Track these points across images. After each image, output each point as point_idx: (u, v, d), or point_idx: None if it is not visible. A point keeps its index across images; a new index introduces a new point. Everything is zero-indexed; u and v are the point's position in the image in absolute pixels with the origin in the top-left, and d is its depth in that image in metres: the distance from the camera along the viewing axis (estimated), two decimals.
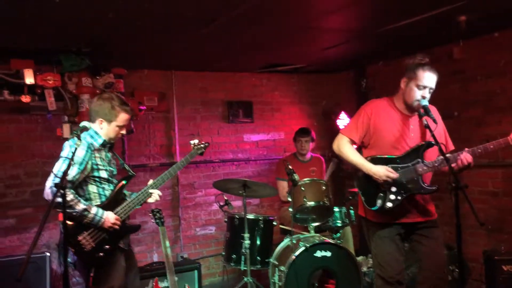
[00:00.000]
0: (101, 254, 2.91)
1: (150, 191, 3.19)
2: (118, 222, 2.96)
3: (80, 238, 2.87)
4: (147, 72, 5.15)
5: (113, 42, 3.93)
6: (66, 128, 4.20)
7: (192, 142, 3.57)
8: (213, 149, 5.51)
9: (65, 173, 2.49)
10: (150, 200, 3.22)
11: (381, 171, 2.93)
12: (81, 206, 2.82)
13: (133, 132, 4.87)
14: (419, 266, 3.12)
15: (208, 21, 3.42)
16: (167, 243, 3.98)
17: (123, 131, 3.13)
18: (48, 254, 4.05)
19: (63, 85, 4.17)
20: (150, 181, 3.23)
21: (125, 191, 3.28)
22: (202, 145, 3.55)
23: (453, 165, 2.82)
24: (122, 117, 3.05)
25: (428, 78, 2.91)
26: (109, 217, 2.93)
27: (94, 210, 2.88)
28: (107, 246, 2.94)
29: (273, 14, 3.37)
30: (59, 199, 2.67)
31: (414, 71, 2.95)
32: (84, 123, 2.90)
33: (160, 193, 3.26)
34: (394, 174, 2.92)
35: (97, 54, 4.15)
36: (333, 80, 6.17)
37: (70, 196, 2.78)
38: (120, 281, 3.00)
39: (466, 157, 2.84)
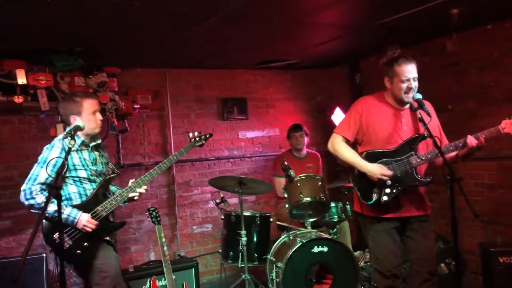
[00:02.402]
0: (79, 251, 2.92)
1: (137, 189, 3.18)
2: (90, 225, 2.95)
3: (55, 236, 2.88)
4: (141, 71, 5.13)
5: (106, 41, 3.91)
6: (59, 128, 4.17)
7: (191, 134, 3.51)
8: (208, 146, 5.50)
9: (59, 173, 2.48)
10: (132, 194, 3.17)
11: (376, 170, 2.95)
12: (53, 207, 2.81)
13: (127, 131, 4.85)
14: (410, 260, 3.14)
15: (202, 19, 3.41)
16: (164, 242, 3.98)
17: (99, 117, 3.13)
18: (44, 254, 4.03)
19: (55, 85, 4.14)
20: (132, 181, 3.21)
21: (113, 188, 3.27)
22: (202, 137, 3.50)
23: (458, 152, 2.90)
24: (87, 103, 3.06)
25: (408, 70, 2.94)
26: (82, 219, 2.93)
27: (67, 211, 2.90)
28: (86, 244, 2.95)
29: (266, 10, 3.36)
30: (32, 202, 2.81)
31: (391, 69, 2.98)
32: (77, 123, 2.90)
33: (145, 187, 3.21)
34: (388, 172, 2.93)
35: (90, 54, 4.12)
36: (327, 75, 6.17)
37: (41, 198, 2.81)
38: (115, 270, 3.03)
39: (472, 141, 2.83)
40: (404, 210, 3.04)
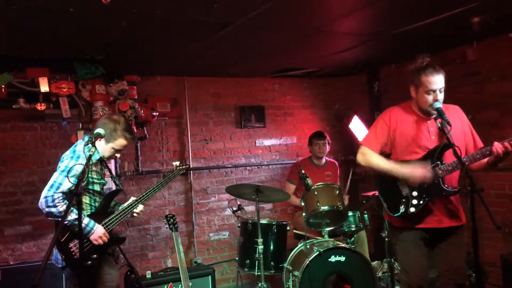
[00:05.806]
0: (89, 262, 2.95)
1: (137, 207, 3.27)
2: (105, 238, 3.00)
3: (71, 245, 2.93)
4: (160, 79, 5.19)
5: (126, 49, 3.97)
6: (80, 135, 4.25)
7: (174, 163, 3.70)
8: (225, 154, 5.53)
9: (80, 180, 2.51)
10: (135, 214, 3.30)
11: (419, 172, 2.84)
12: (73, 216, 2.87)
13: (146, 138, 4.91)
14: (438, 271, 3.06)
15: (221, 27, 3.44)
16: (181, 249, 4.00)
17: (118, 154, 3.20)
18: None
19: (77, 92, 4.23)
20: (133, 198, 3.29)
21: (112, 202, 3.34)
22: (183, 167, 3.71)
23: (489, 159, 2.82)
24: (120, 142, 3.09)
25: (435, 81, 2.87)
26: (98, 231, 2.97)
27: (86, 220, 2.94)
28: (94, 255, 2.98)
29: (286, 18, 3.38)
30: (53, 210, 2.82)
31: (418, 78, 2.91)
32: (98, 130, 2.93)
33: (143, 207, 3.32)
34: (429, 172, 2.84)
35: (111, 62, 4.20)
36: (345, 83, 6.15)
37: (63, 206, 2.84)
38: (117, 279, 3.12)
39: (498, 147, 2.75)
40: (436, 221, 2.96)
